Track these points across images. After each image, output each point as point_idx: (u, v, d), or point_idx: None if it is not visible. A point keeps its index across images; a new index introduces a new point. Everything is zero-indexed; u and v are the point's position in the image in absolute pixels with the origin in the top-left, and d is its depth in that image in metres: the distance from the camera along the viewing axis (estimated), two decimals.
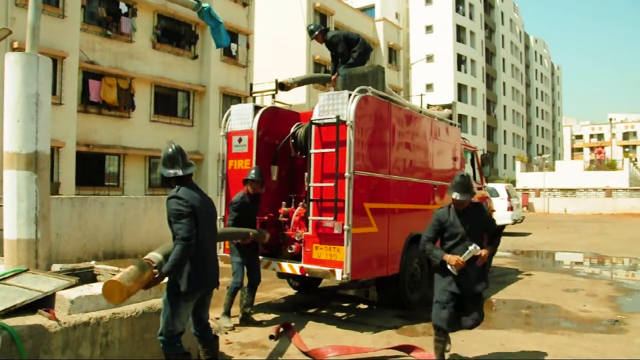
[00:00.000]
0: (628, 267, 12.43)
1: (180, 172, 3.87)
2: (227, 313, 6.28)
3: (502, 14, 68.78)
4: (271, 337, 5.69)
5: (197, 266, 3.79)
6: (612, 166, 53.21)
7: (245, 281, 6.45)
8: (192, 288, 3.77)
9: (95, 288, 4.28)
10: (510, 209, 19.91)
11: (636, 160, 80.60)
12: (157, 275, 3.68)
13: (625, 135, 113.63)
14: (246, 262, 6.40)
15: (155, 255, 3.80)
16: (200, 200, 3.90)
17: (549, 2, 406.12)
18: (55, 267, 5.15)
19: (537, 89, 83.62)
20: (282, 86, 7.67)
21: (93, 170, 19.38)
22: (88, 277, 5.01)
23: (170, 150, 3.94)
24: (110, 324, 4.04)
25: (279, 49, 29.88)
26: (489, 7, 65.37)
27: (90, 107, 19.04)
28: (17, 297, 3.95)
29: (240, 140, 7.27)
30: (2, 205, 5.00)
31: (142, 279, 3.59)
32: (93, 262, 5.85)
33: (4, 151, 4.86)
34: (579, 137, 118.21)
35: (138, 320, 4.24)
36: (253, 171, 6.44)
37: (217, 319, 6.16)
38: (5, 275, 4.41)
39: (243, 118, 7.33)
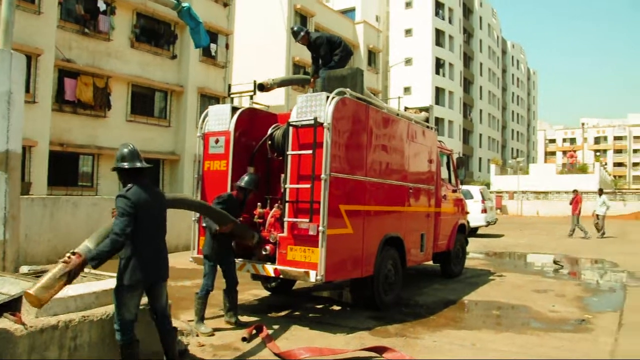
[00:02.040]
0: (596, 268, 12.69)
1: (138, 164, 4.20)
2: (201, 318, 6.11)
3: (480, 18, 69.71)
4: (244, 339, 5.67)
5: (140, 261, 4.06)
6: (583, 170, 54.30)
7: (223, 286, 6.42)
8: (134, 281, 4.04)
9: (65, 290, 4.22)
10: (484, 211, 20.18)
11: (606, 164, 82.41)
12: (81, 260, 3.85)
13: (597, 140, 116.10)
14: (220, 264, 6.33)
15: (85, 246, 4.04)
16: (148, 200, 4.15)
17: (527, 8, 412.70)
18: (24, 268, 5.07)
19: (513, 93, 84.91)
20: (261, 87, 7.64)
21: (66, 170, 19.09)
22: None
23: (130, 147, 4.27)
24: (80, 327, 3.98)
25: (259, 50, 29.83)
26: (467, 11, 66.17)
27: (65, 105, 18.77)
28: None
29: (217, 141, 7.24)
30: None
31: (58, 283, 3.73)
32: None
33: None
34: (552, 141, 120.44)
35: (109, 323, 4.19)
36: (246, 177, 6.43)
37: (190, 321, 6.12)
38: None
39: (220, 119, 7.30)
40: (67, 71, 18.83)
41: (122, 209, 3.97)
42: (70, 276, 3.74)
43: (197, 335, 5.82)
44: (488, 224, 20.94)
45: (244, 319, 6.61)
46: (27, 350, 3.66)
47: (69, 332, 3.91)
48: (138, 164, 4.21)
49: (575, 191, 22.01)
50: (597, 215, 21.02)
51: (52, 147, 17.75)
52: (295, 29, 8.23)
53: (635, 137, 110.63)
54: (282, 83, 8.01)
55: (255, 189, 6.56)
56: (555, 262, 13.11)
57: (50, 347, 3.80)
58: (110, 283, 4.53)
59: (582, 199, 21.65)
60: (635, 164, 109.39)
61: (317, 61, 8.32)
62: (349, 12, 46.13)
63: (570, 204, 21.60)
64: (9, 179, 4.81)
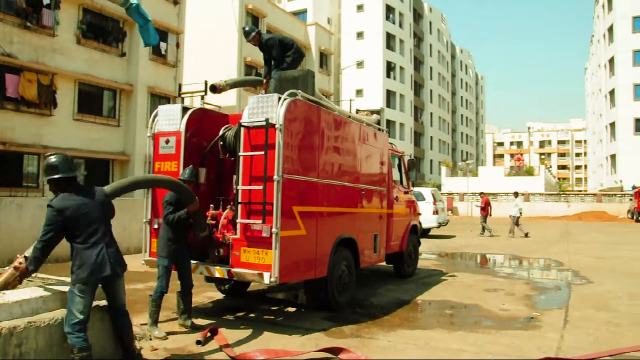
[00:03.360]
0: (543, 267, 13.15)
1: (71, 174, 4.36)
2: (155, 322, 5.98)
3: (430, 23, 71.20)
4: (198, 342, 5.59)
5: (82, 261, 4.19)
6: (530, 172, 56.35)
7: (177, 288, 6.30)
8: (80, 280, 4.15)
9: (9, 296, 4.05)
10: (436, 212, 20.61)
11: (551, 167, 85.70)
12: (25, 266, 4.24)
13: (542, 144, 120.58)
14: (176, 266, 6.22)
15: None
16: (79, 204, 4.29)
17: (475, 15, 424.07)
18: None
19: (462, 97, 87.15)
20: (213, 88, 7.53)
21: (10, 170, 18.29)
22: None
23: (60, 155, 4.41)
24: (25, 333, 3.82)
25: (210, 50, 29.51)
26: (418, 16, 67.46)
27: (7, 103, 17.96)
28: None
29: (167, 141, 7.11)
30: None
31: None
32: (7, 268, 5.50)
33: None
34: (500, 144, 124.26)
35: (57, 329, 4.04)
36: (187, 171, 6.35)
37: (144, 324, 5.98)
38: None
39: (171, 119, 7.17)
40: (8, 67, 18.02)
41: (46, 218, 4.19)
42: (20, 281, 3.93)
43: (151, 339, 5.69)
44: (440, 225, 21.38)
45: (198, 321, 6.51)
46: None
47: (14, 339, 3.74)
48: (70, 174, 4.37)
49: (482, 194, 24.45)
50: (511, 217, 22.24)
51: None
52: (247, 29, 8.18)
53: (577, 141, 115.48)
54: (234, 84, 7.93)
55: (196, 180, 6.43)
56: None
57: None
58: (59, 287, 4.38)
59: (490, 201, 23.35)
60: (577, 167, 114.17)
61: (269, 63, 8.30)
62: (300, 14, 46.24)
63: (481, 206, 22.82)
64: None
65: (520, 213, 22.36)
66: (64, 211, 4.19)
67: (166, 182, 5.89)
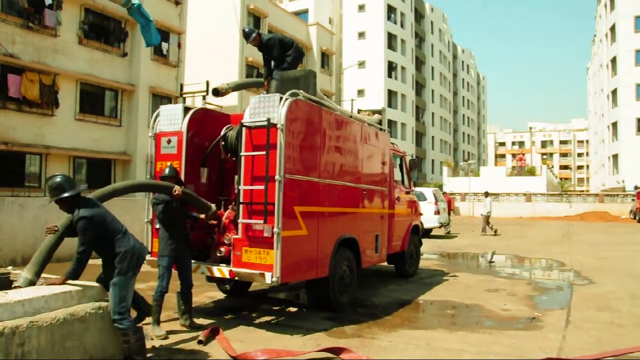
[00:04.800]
0: (544, 268, 13.15)
1: (78, 191, 4.67)
2: (157, 321, 6.02)
3: (431, 23, 71.16)
4: (199, 341, 5.60)
5: (129, 250, 4.73)
6: (531, 172, 56.32)
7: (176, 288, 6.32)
8: (132, 266, 4.70)
9: (12, 295, 4.06)
10: (437, 212, 20.62)
11: (553, 167, 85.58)
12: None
13: (544, 144, 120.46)
14: (176, 266, 6.24)
15: (25, 278, 4.62)
16: (101, 208, 4.78)
17: (476, 15, 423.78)
18: None
19: (464, 97, 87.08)
20: (216, 92, 7.48)
21: (12, 170, 18.31)
22: (3, 283, 4.75)
23: (61, 176, 4.70)
24: (28, 332, 3.82)
25: (212, 50, 29.51)
26: (419, 16, 67.42)
27: (9, 103, 17.96)
28: None
29: (169, 141, 7.12)
30: None
31: None
32: (10, 268, 5.52)
33: None
34: (502, 144, 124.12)
35: (59, 328, 4.04)
36: (167, 169, 6.37)
37: (146, 324, 5.98)
38: None
39: (172, 119, 7.18)
40: (10, 67, 18.02)
41: (83, 230, 4.54)
42: None
43: (152, 339, 5.70)
44: (441, 225, 21.39)
45: (199, 321, 6.53)
46: None
47: (16, 339, 3.74)
48: (77, 190, 4.68)
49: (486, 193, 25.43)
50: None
51: None
52: (247, 30, 8.14)
53: (579, 141, 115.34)
54: (236, 87, 7.90)
55: (177, 176, 6.40)
56: (490, 258, 13.73)
57: None
58: (60, 287, 4.39)
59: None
60: (579, 167, 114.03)
61: (269, 63, 8.29)
62: (302, 14, 46.18)
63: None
64: None
65: (489, 212, 23.30)
66: (97, 217, 4.61)
67: (139, 185, 6.12)
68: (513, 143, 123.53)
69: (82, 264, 4.58)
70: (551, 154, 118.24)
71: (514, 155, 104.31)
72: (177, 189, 5.98)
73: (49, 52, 19.22)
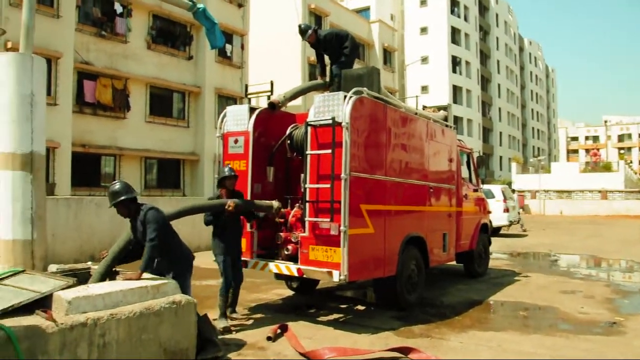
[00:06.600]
0: (624, 269, 12.46)
1: (134, 194, 5.07)
2: (223, 315, 6.25)
3: (496, 15, 69.09)
4: (268, 338, 5.67)
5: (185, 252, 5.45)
6: (607, 168, 53.48)
7: None
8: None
9: (92, 289, 4.26)
10: (506, 210, 19.98)
11: (631, 162, 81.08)
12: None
13: (620, 137, 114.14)
14: (231, 262, 6.41)
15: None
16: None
17: (543, 4, 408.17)
18: (52, 267, 5.13)
19: (531, 91, 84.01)
20: (272, 106, 7.39)
21: (89, 171, 19.28)
22: (85, 277, 5.00)
23: (120, 182, 5.14)
24: (108, 324, 4.00)
25: (274, 50, 29.86)
26: (483, 9, 65.63)
27: (86, 107, 18.95)
28: (14, 298, 3.92)
29: (236, 141, 7.25)
30: None
31: None
32: (89, 263, 5.82)
33: None
34: (574, 139, 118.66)
35: (135, 321, 4.20)
36: (226, 169, 6.50)
37: (215, 319, 6.13)
38: (2, 276, 4.39)
39: (239, 119, 7.31)
40: (86, 73, 19.00)
41: (156, 220, 4.97)
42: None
43: (220, 331, 5.86)
44: (511, 223, 20.74)
45: (268, 318, 6.64)
46: (58, 347, 3.69)
47: (98, 330, 3.93)
48: (134, 194, 5.07)
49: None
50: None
51: (74, 149, 17.94)
52: (303, 27, 8.09)
53: None
54: (293, 96, 7.83)
55: (235, 175, 6.51)
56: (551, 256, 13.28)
57: (81, 343, 3.82)
58: (136, 282, 4.56)
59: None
60: None
61: (323, 60, 8.27)
62: (363, 11, 45.99)
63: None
64: (34, 179, 4.86)
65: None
66: (162, 212, 5.10)
67: (192, 209, 6.20)
68: (586, 138, 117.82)
69: (154, 253, 4.87)
70: (629, 148, 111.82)
71: (587, 151, 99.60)
72: (231, 205, 6.05)
73: (120, 58, 20.09)
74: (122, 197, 4.96)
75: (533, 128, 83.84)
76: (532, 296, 8.52)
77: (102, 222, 11.57)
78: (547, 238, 19.89)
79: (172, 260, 5.23)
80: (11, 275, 4.41)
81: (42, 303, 3.96)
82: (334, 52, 7.98)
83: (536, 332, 6.32)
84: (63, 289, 4.10)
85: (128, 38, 20.40)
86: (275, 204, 6.54)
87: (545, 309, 7.66)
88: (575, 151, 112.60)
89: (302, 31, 8.07)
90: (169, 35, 22.48)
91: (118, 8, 20.09)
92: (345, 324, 6.60)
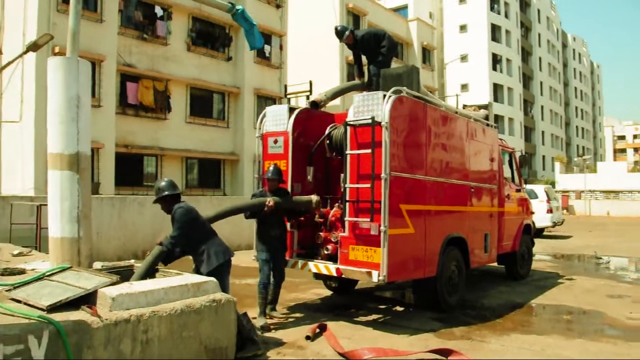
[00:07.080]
0: None
1: (177, 191, 5.41)
2: (263, 312, 6.33)
3: (538, 11, 67.46)
4: (307, 337, 5.68)
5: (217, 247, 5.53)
6: None
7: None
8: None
9: (136, 286, 4.35)
10: (550, 211, 19.50)
11: None
12: None
13: None
14: (271, 260, 6.45)
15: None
16: (195, 209, 5.43)
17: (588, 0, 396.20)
18: (97, 264, 5.28)
19: (576, 88, 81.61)
20: (314, 104, 7.42)
21: (132, 170, 19.72)
22: (128, 275, 5.10)
23: (165, 179, 5.45)
24: (150, 321, 4.08)
25: (312, 51, 29.90)
26: (524, 5, 64.17)
27: (128, 109, 19.40)
28: (61, 294, 4.05)
29: (275, 141, 7.30)
30: (46, 204, 5.14)
31: None
32: (132, 261, 5.95)
33: (48, 152, 4.99)
34: (622, 137, 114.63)
35: (177, 318, 4.27)
36: (271, 168, 6.58)
37: (254, 318, 6.18)
38: (51, 272, 4.53)
39: (278, 119, 7.36)
40: (128, 75, 19.45)
41: (182, 215, 5.25)
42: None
43: (260, 329, 5.90)
44: (554, 224, 20.23)
45: (307, 317, 6.65)
46: (103, 342, 3.78)
47: (141, 326, 4.01)
48: (177, 191, 5.40)
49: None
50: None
51: (117, 149, 18.39)
52: (340, 28, 8.07)
53: None
54: (334, 95, 7.81)
55: (279, 177, 6.59)
56: (596, 257, 12.97)
57: (124, 339, 3.91)
58: (178, 281, 4.63)
59: None
60: None
61: (359, 60, 8.24)
62: (401, 10, 45.54)
63: None
64: (80, 179, 4.98)
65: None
66: (192, 210, 5.31)
67: (231, 210, 6.41)
68: (635, 136, 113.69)
69: (174, 246, 5.20)
70: None
71: (636, 150, 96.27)
72: (270, 204, 6.19)
73: (160, 60, 20.48)
74: (165, 193, 5.30)
75: (577, 126, 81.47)
76: (576, 300, 8.27)
77: (144, 220, 11.82)
78: (594, 240, 19.29)
79: (207, 257, 5.35)
80: (59, 272, 4.55)
81: (87, 299, 4.07)
82: (372, 52, 7.92)
83: (581, 336, 6.13)
84: (107, 286, 4.20)
85: (168, 40, 20.78)
86: (314, 198, 6.60)
87: (590, 313, 7.43)
88: (623, 150, 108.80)
89: (339, 33, 8.05)
90: (209, 36, 22.78)
91: (159, 11, 20.50)
92: (384, 324, 6.55)
